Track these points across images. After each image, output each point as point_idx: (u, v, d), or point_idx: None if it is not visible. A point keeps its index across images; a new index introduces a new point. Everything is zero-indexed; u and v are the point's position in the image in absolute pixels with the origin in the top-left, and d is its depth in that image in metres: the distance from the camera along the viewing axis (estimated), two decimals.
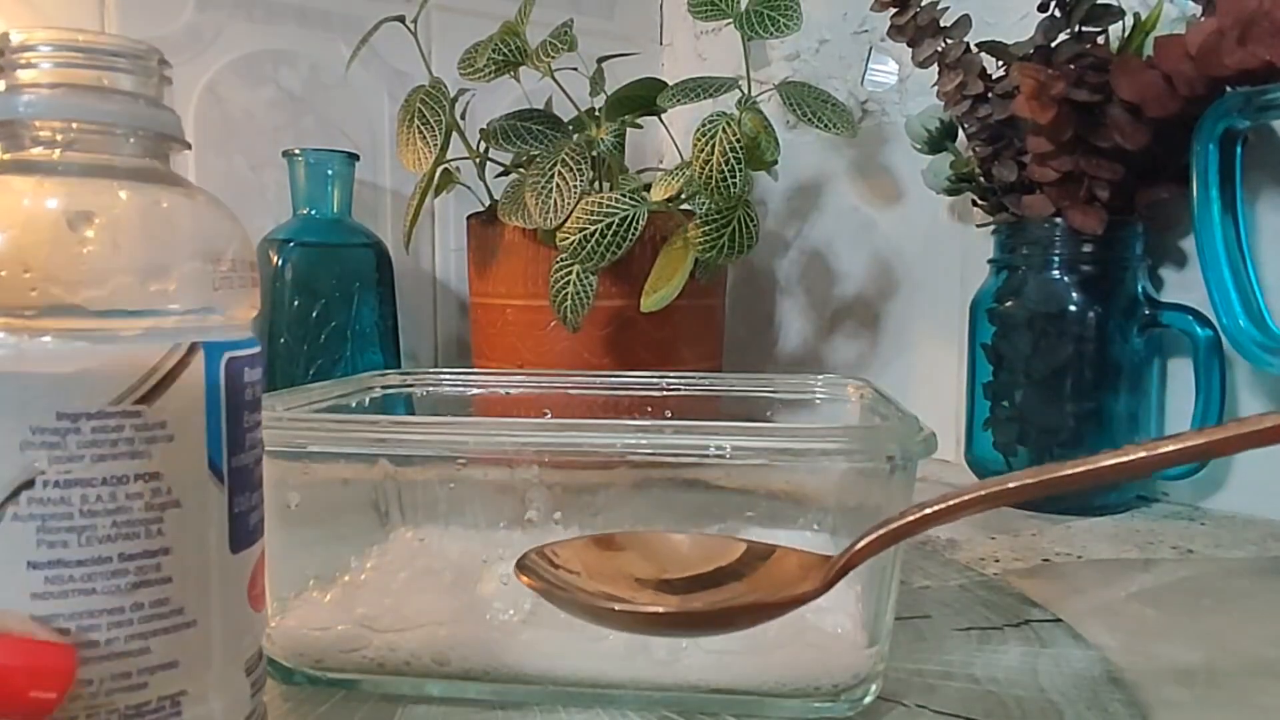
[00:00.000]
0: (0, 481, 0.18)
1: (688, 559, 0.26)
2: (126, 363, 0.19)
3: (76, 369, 0.19)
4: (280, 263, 0.67)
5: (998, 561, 0.44)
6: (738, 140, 0.55)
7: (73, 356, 0.19)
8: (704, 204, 0.58)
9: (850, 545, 0.24)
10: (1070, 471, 0.21)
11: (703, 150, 0.56)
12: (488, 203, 0.67)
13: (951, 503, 0.22)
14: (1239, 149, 0.50)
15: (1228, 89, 0.48)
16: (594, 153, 0.61)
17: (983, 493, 0.22)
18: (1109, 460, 0.20)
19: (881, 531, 0.23)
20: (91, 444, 0.19)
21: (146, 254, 0.20)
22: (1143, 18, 0.53)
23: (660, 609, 0.24)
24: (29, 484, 0.19)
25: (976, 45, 0.55)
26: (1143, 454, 0.20)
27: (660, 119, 0.66)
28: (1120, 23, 0.52)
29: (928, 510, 0.22)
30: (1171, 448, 0.20)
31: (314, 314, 0.68)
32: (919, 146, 0.63)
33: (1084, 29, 0.52)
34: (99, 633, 0.19)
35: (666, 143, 0.86)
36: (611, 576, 0.25)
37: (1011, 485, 0.21)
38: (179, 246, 0.21)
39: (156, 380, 0.20)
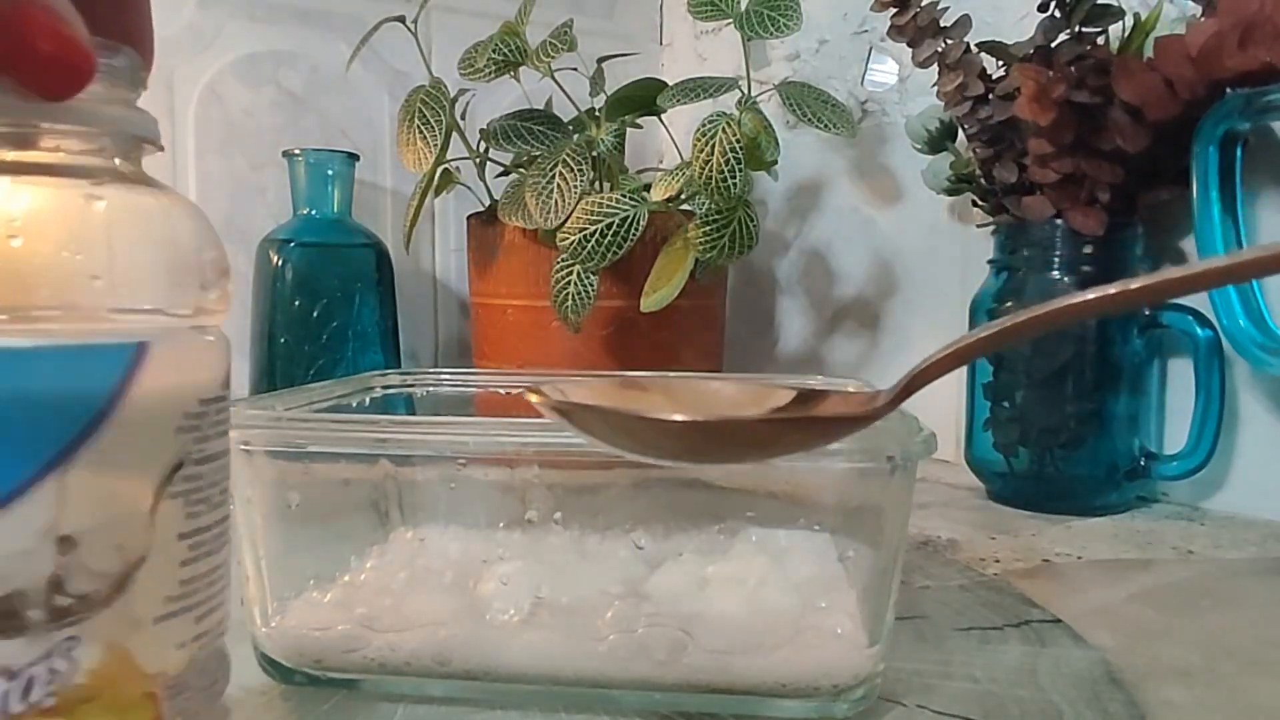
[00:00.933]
0: (161, 464, 0.20)
1: (721, 403, 0.23)
2: (223, 352, 0.22)
3: (215, 358, 0.22)
4: (280, 263, 0.67)
5: (998, 561, 0.44)
6: (738, 140, 0.55)
7: (210, 348, 0.22)
8: (704, 204, 0.58)
9: (915, 368, 0.21)
10: (1135, 286, 0.19)
11: (703, 150, 0.56)
12: (488, 203, 0.67)
13: (1021, 318, 0.20)
14: (1239, 151, 0.50)
15: (1228, 91, 0.48)
16: (594, 153, 0.61)
17: (1049, 309, 0.19)
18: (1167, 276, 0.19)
19: (947, 352, 0.21)
20: (215, 424, 0.22)
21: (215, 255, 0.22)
22: (1143, 18, 0.53)
23: (696, 418, 0.20)
24: (180, 465, 0.20)
25: (976, 45, 0.55)
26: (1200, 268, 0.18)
27: (660, 119, 0.66)
28: (1120, 23, 0.52)
29: (994, 329, 0.20)
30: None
31: (314, 314, 0.68)
32: (919, 147, 0.63)
33: (1084, 29, 0.52)
34: (213, 589, 0.22)
35: (666, 143, 0.86)
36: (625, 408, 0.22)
37: (1077, 301, 0.19)
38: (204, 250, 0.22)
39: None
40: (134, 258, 0.20)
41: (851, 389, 0.24)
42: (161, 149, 0.22)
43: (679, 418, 0.20)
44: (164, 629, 0.20)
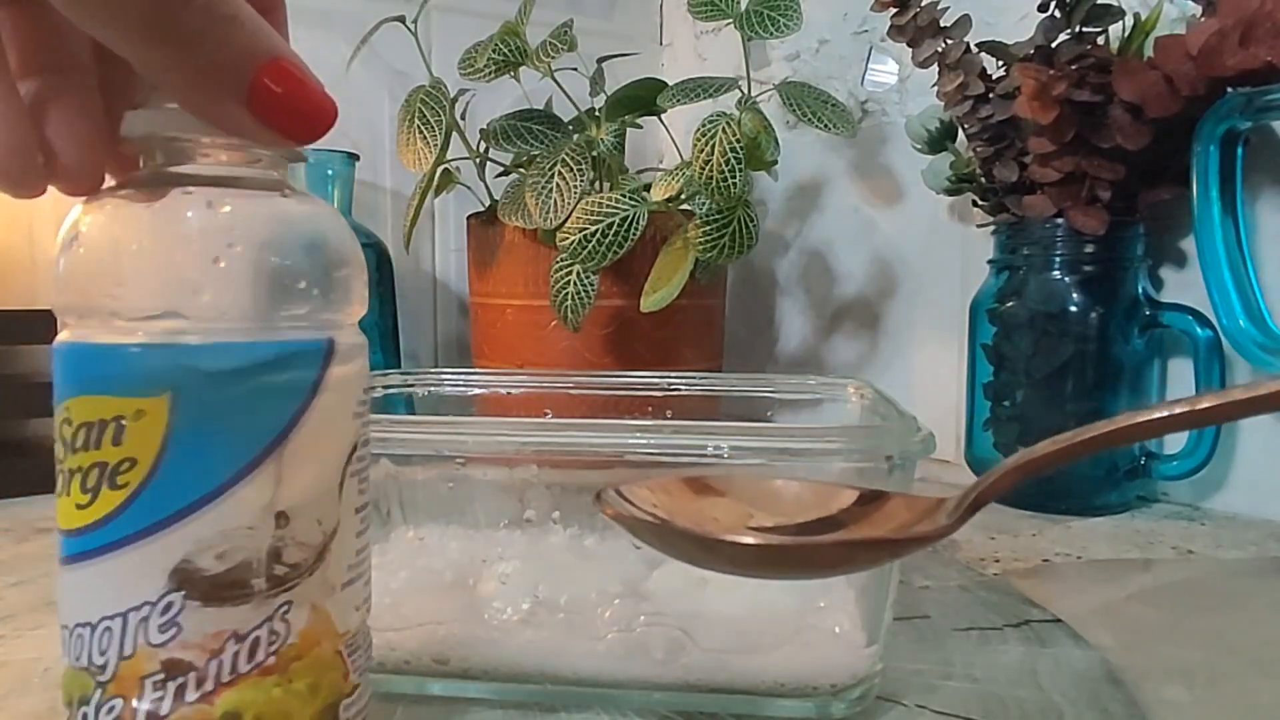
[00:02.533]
0: (345, 446, 0.22)
1: (785, 506, 0.23)
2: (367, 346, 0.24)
3: (366, 351, 0.23)
4: None
5: (998, 561, 0.44)
6: (738, 140, 0.55)
7: (364, 342, 0.23)
8: (704, 204, 0.58)
9: (982, 479, 0.21)
10: (1210, 404, 0.19)
11: (703, 150, 0.56)
12: (488, 203, 0.67)
13: (1088, 435, 0.20)
14: (1240, 150, 0.50)
15: (1229, 90, 0.48)
16: (594, 153, 0.61)
17: (1122, 425, 0.19)
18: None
19: (1014, 465, 0.21)
20: (371, 409, 0.24)
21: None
22: (1143, 18, 0.53)
23: (772, 540, 0.21)
24: (355, 447, 0.23)
25: (977, 45, 0.55)
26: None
27: (660, 119, 0.66)
28: (1120, 23, 0.52)
29: (1065, 444, 0.20)
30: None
31: None
32: (919, 146, 0.63)
33: (1084, 29, 0.52)
34: (370, 560, 0.24)
35: (666, 143, 0.86)
36: (695, 518, 0.22)
37: (1154, 417, 0.19)
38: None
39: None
40: (330, 262, 0.22)
41: (912, 499, 0.23)
42: (306, 159, 0.24)
43: (750, 541, 0.21)
44: (348, 593, 0.23)
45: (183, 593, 0.20)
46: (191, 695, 0.20)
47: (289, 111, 0.19)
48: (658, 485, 0.23)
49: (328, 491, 0.22)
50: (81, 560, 0.20)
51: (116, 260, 0.20)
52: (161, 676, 0.20)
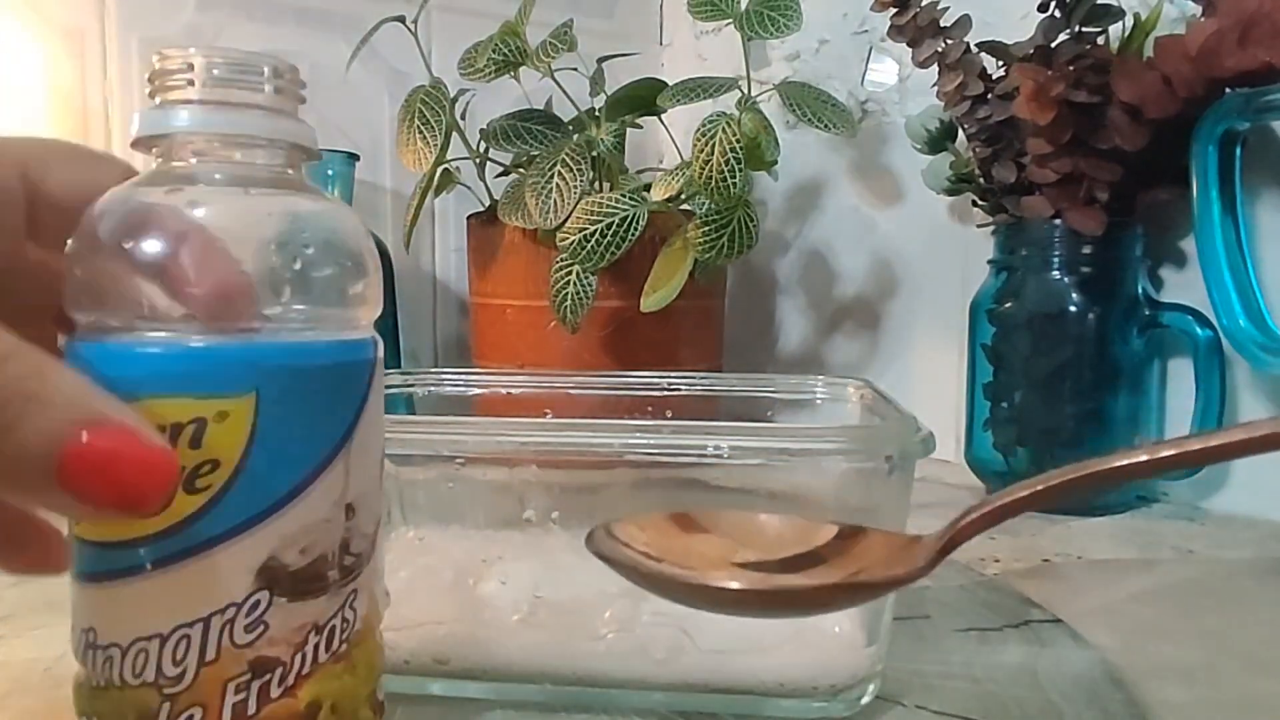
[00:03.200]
0: (382, 439, 0.23)
1: (768, 541, 0.24)
2: None
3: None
4: None
5: (998, 561, 0.44)
6: (738, 140, 0.55)
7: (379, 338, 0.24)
8: (704, 204, 0.58)
9: (954, 521, 0.22)
10: (1183, 450, 0.20)
11: (703, 150, 0.56)
12: (488, 203, 0.67)
13: (1058, 480, 0.21)
14: (1239, 150, 0.50)
15: (1227, 90, 0.48)
16: (594, 153, 0.61)
17: (1094, 470, 0.20)
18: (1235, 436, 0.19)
19: (986, 509, 0.22)
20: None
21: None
22: (1143, 18, 0.53)
23: (753, 586, 0.22)
24: (385, 439, 0.23)
25: (976, 45, 0.55)
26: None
27: (660, 119, 0.66)
28: (1120, 23, 0.52)
29: (1036, 488, 0.21)
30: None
31: None
32: (919, 146, 0.63)
33: (1084, 29, 0.52)
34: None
35: (666, 143, 0.86)
36: (682, 555, 0.23)
37: (1121, 463, 0.20)
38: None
39: None
40: (374, 264, 0.22)
41: (889, 535, 0.24)
42: (320, 158, 0.24)
43: (735, 585, 0.21)
44: (380, 577, 0.24)
45: (269, 590, 0.20)
46: (276, 691, 0.20)
47: (106, 484, 0.18)
48: (647, 523, 0.24)
49: (378, 481, 0.23)
50: (149, 571, 0.19)
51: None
52: (248, 676, 0.20)
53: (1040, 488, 0.21)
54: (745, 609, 0.23)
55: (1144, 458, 0.20)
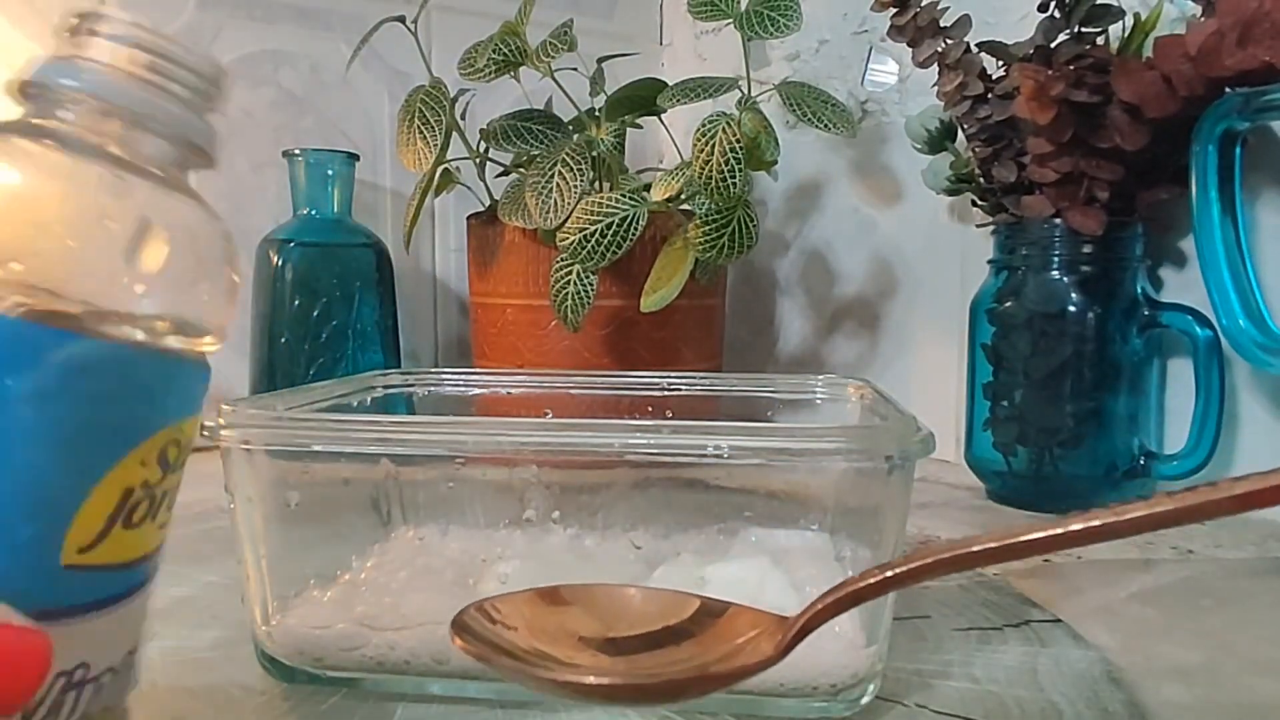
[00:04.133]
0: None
1: (636, 615, 0.25)
2: None
3: None
4: (280, 263, 0.67)
5: None
6: (738, 140, 0.55)
7: None
8: (704, 204, 0.58)
9: (809, 607, 0.23)
10: (1033, 537, 0.20)
11: (703, 150, 0.56)
12: (488, 203, 0.67)
13: (915, 565, 0.21)
14: (1238, 150, 0.50)
15: (1227, 90, 0.48)
16: (594, 153, 0.61)
17: (948, 555, 0.21)
18: (1076, 525, 0.19)
19: (841, 594, 0.22)
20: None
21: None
22: (1143, 18, 0.53)
23: (604, 680, 0.22)
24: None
25: (976, 45, 0.55)
26: (1112, 519, 0.19)
27: (660, 119, 0.66)
28: (1120, 23, 0.52)
29: (889, 573, 0.21)
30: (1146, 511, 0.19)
31: (314, 314, 0.68)
32: (919, 146, 0.63)
33: (1084, 29, 0.52)
34: None
35: (666, 143, 0.86)
36: (553, 634, 0.23)
37: (975, 549, 0.20)
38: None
39: None
40: (219, 286, 0.21)
41: (755, 608, 0.24)
42: (213, 165, 0.22)
43: (591, 680, 0.22)
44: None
45: None
46: None
47: None
48: (519, 600, 0.24)
49: None
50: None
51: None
52: None
53: (898, 571, 0.21)
54: (599, 701, 0.24)
55: (1032, 537, 0.20)
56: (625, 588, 0.26)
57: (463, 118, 0.66)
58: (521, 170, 0.64)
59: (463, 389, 0.45)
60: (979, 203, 0.60)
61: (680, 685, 0.22)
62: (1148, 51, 0.51)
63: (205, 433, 0.26)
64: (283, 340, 0.67)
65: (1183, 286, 0.55)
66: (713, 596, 0.25)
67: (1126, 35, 0.53)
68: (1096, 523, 0.19)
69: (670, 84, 0.62)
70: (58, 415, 0.17)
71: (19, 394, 0.17)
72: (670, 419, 0.41)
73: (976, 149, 0.57)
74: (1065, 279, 0.54)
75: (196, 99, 0.21)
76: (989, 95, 0.55)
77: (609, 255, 0.57)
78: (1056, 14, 0.52)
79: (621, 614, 0.25)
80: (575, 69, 0.64)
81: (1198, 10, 0.50)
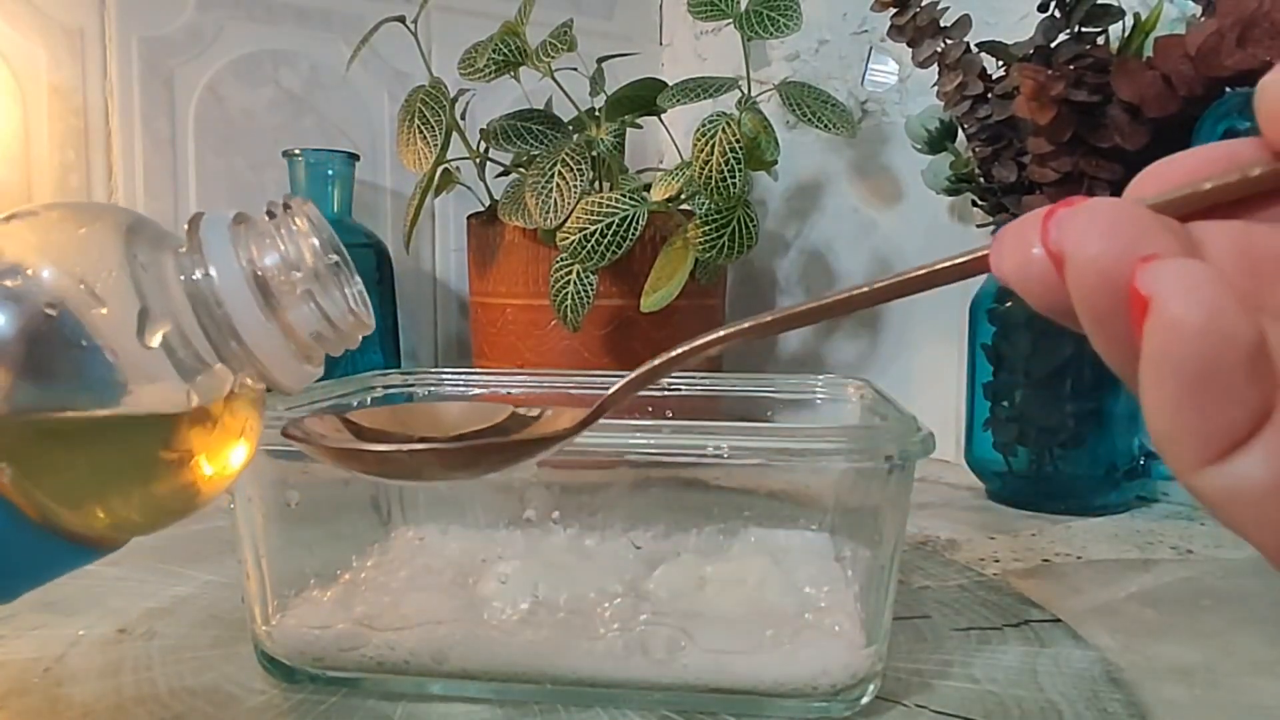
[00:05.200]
0: None
1: (451, 423, 0.26)
2: None
3: None
4: None
5: (997, 561, 0.44)
6: (738, 140, 0.55)
7: None
8: (704, 204, 0.58)
9: (612, 388, 0.24)
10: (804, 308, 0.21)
11: (703, 150, 0.56)
12: (488, 203, 0.67)
13: (710, 337, 0.22)
14: None
15: (1227, 90, 0.48)
16: (594, 153, 0.61)
17: (746, 324, 0.21)
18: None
19: (635, 375, 0.23)
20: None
21: None
22: (1143, 18, 0.53)
23: (402, 447, 0.23)
24: None
25: (976, 45, 0.55)
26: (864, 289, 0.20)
27: (660, 119, 0.66)
28: (1120, 23, 0.52)
29: (684, 347, 0.23)
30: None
31: None
32: (919, 146, 0.63)
33: (1084, 29, 0.52)
34: None
35: (666, 143, 0.86)
36: (397, 439, 0.25)
37: (767, 319, 0.21)
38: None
39: None
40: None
41: (575, 411, 0.25)
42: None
43: (381, 448, 0.23)
44: None
45: None
46: None
47: None
48: (331, 424, 0.25)
49: None
50: None
51: None
52: None
53: (695, 343, 0.23)
54: (403, 473, 0.25)
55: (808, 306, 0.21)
56: (436, 404, 0.27)
57: (463, 118, 0.66)
58: (521, 170, 0.64)
59: (463, 389, 0.45)
60: (979, 203, 0.60)
61: (480, 450, 0.24)
62: (1148, 51, 0.51)
63: None
64: None
65: None
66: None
67: (1126, 35, 0.53)
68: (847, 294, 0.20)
69: (670, 84, 0.62)
70: None
71: None
72: (670, 419, 0.41)
73: (976, 149, 0.57)
74: None
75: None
76: (989, 95, 0.55)
77: (609, 255, 0.57)
78: (1056, 14, 0.52)
79: (437, 425, 0.26)
80: (575, 69, 0.64)
81: (1198, 10, 0.50)
